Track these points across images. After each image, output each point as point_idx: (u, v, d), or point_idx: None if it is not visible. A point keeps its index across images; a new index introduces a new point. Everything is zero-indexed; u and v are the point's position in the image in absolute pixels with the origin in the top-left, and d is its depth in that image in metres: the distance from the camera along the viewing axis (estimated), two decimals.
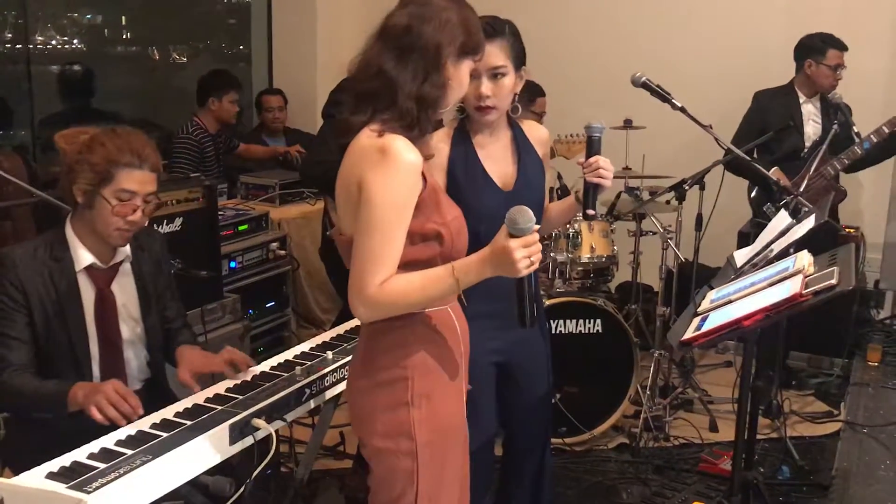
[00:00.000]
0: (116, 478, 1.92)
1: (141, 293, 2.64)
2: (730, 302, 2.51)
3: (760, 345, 3.16)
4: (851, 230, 4.76)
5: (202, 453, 2.11)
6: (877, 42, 5.15)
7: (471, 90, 2.40)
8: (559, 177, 4.79)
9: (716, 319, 2.42)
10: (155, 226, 3.45)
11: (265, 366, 2.65)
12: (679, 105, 3.06)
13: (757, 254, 2.85)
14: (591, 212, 2.48)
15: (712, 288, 2.82)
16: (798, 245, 2.71)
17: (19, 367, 2.39)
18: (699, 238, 4.52)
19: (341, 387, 2.58)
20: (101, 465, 1.98)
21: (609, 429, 4.11)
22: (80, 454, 2.04)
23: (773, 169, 4.46)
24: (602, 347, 4.02)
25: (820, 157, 4.25)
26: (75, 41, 6.12)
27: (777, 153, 4.71)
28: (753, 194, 4.81)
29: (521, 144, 2.57)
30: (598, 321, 4.02)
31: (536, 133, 2.65)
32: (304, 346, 2.83)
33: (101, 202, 2.43)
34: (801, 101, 4.75)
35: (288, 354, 2.76)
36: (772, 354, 4.22)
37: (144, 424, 2.21)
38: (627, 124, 4.71)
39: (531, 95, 4.56)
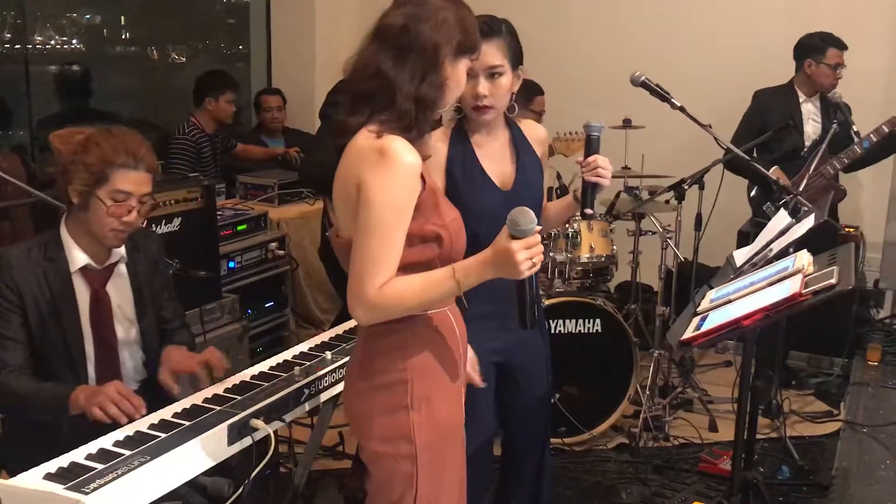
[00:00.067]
0: (114, 478, 1.92)
1: (136, 294, 2.62)
2: (729, 301, 2.50)
3: (760, 344, 3.16)
4: (851, 229, 4.76)
5: (200, 454, 2.10)
6: (876, 41, 5.14)
7: (468, 90, 2.39)
8: (558, 176, 4.79)
9: (715, 319, 2.42)
10: (153, 226, 3.46)
11: (264, 366, 2.64)
12: (678, 104, 3.05)
13: (756, 253, 2.85)
14: (589, 211, 2.47)
15: (712, 287, 2.82)
16: (798, 244, 2.71)
17: (15, 368, 2.38)
18: (698, 238, 4.52)
19: (340, 387, 2.57)
20: (99, 466, 1.97)
21: (608, 429, 4.10)
22: (77, 455, 2.03)
23: (773, 168, 4.46)
24: (601, 347, 4.01)
25: (819, 157, 4.24)
26: (74, 41, 6.12)
27: (777, 152, 4.71)
28: (753, 194, 4.81)
29: (519, 144, 2.57)
30: (598, 321, 4.01)
31: (534, 132, 2.64)
32: (303, 347, 2.82)
33: (96, 203, 2.42)
34: (800, 100, 4.75)
35: (287, 355, 2.75)
36: (771, 354, 4.22)
37: (142, 425, 2.20)
38: (627, 124, 4.70)
39: (529, 94, 4.55)
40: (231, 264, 4.33)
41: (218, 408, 2.30)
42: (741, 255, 3.00)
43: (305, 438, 3.22)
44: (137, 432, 2.16)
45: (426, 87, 1.91)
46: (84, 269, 2.51)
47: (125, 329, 2.60)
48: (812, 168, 4.31)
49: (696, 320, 2.51)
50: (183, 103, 5.35)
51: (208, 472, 2.15)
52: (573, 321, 3.99)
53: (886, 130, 4.32)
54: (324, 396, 2.56)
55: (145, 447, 2.07)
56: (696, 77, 5.29)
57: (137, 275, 2.63)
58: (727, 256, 3.10)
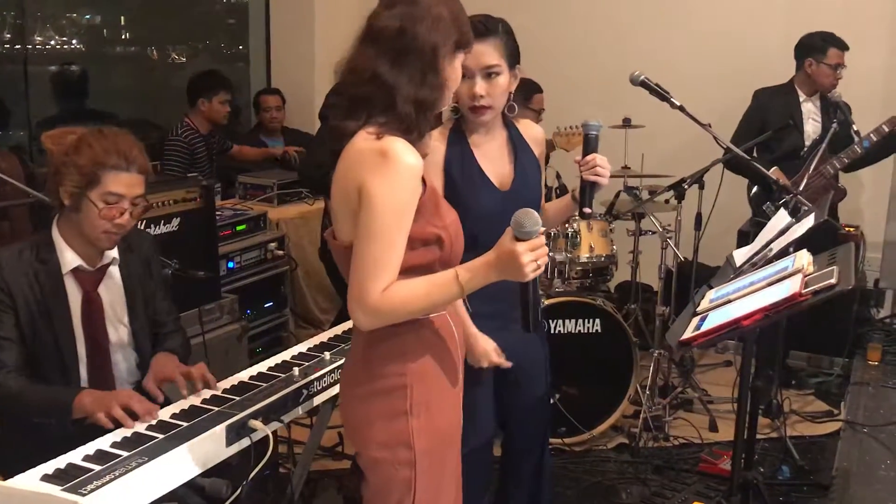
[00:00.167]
0: (112, 480, 1.91)
1: (128, 296, 2.60)
2: (729, 301, 2.50)
3: (760, 344, 3.16)
4: (851, 229, 4.76)
5: (198, 455, 2.10)
6: (876, 41, 5.14)
7: (465, 90, 2.39)
8: (558, 176, 4.78)
9: (715, 319, 2.41)
10: (152, 226, 3.45)
11: (262, 367, 2.64)
12: (678, 104, 3.05)
13: (756, 253, 2.84)
14: (587, 210, 2.46)
15: (711, 287, 2.81)
16: (797, 244, 2.70)
17: (13, 368, 2.36)
18: (698, 237, 4.51)
19: (339, 388, 2.57)
20: (97, 467, 1.97)
21: (608, 429, 4.10)
22: (75, 456, 2.03)
23: (773, 169, 4.45)
24: (601, 347, 4.01)
25: (819, 156, 4.23)
26: (74, 41, 6.12)
27: (777, 152, 4.70)
28: (753, 193, 4.80)
29: (517, 144, 2.56)
30: (598, 321, 4.01)
31: (532, 132, 2.64)
32: (302, 347, 2.82)
33: (88, 205, 2.39)
34: (800, 99, 4.74)
35: (285, 355, 2.74)
36: (772, 354, 4.21)
37: (140, 426, 2.20)
38: (626, 123, 4.70)
39: (528, 93, 4.55)
40: (230, 264, 4.32)
41: (216, 409, 2.30)
42: (741, 255, 2.99)
43: (305, 439, 3.21)
44: (135, 433, 2.16)
45: (427, 89, 1.89)
46: (76, 271, 2.48)
47: (117, 331, 2.58)
48: (812, 168, 4.30)
49: (695, 320, 2.51)
50: (183, 103, 5.34)
51: (207, 473, 2.14)
52: (573, 321, 3.98)
53: (886, 130, 4.31)
54: (323, 397, 2.56)
55: (143, 448, 2.07)
56: (695, 76, 5.29)
57: (130, 276, 2.61)
58: (727, 256, 3.10)
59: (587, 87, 5.74)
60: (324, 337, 2.93)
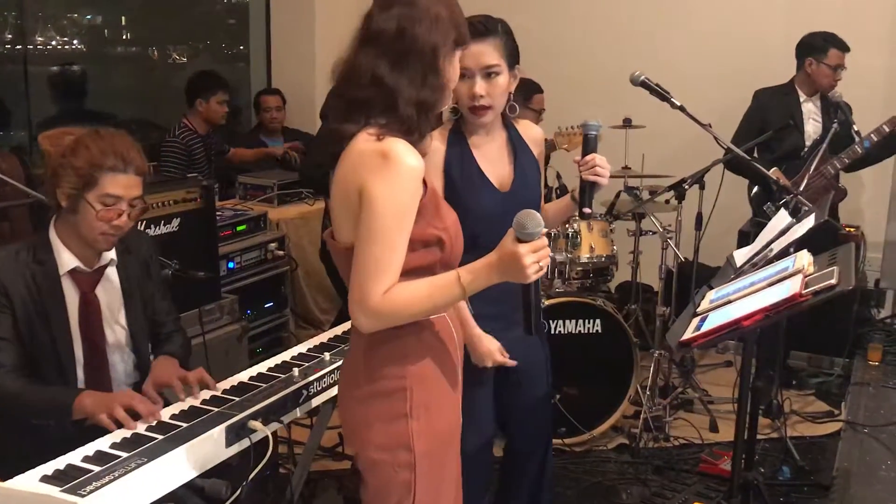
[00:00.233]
0: (111, 481, 1.91)
1: (126, 297, 2.59)
2: (729, 302, 2.49)
3: (760, 344, 3.16)
4: (852, 229, 4.75)
5: (198, 456, 2.10)
6: (877, 41, 5.13)
7: (465, 90, 2.39)
8: (558, 176, 4.78)
9: (715, 320, 2.41)
10: (152, 226, 3.45)
11: (262, 367, 2.63)
12: (678, 104, 3.04)
13: (757, 253, 2.84)
14: (587, 210, 2.45)
15: (712, 288, 2.81)
16: (798, 244, 2.70)
17: (11, 369, 2.35)
18: (699, 237, 4.51)
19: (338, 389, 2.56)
20: (96, 468, 1.97)
21: (609, 429, 4.10)
22: (74, 457, 2.02)
23: (773, 169, 4.45)
24: (602, 348, 4.00)
25: (820, 156, 4.23)
26: (75, 42, 6.12)
27: (777, 152, 4.70)
28: (753, 193, 4.80)
29: (516, 145, 2.56)
30: (598, 321, 4.01)
31: (531, 133, 2.63)
32: (302, 348, 2.81)
33: (86, 207, 2.38)
34: (801, 99, 4.74)
35: (285, 356, 2.74)
36: (772, 354, 4.21)
37: (140, 427, 2.19)
38: (627, 123, 4.69)
39: (528, 93, 4.55)
40: (230, 265, 4.32)
41: (216, 409, 2.30)
42: (741, 255, 2.99)
43: (305, 439, 3.21)
44: (135, 434, 2.15)
45: (427, 90, 1.87)
46: (73, 272, 2.47)
47: (115, 332, 2.57)
48: (812, 168, 4.30)
49: (695, 321, 2.51)
50: (184, 103, 5.34)
51: (206, 474, 2.14)
52: (573, 321, 3.98)
53: (887, 130, 4.31)
54: (323, 397, 2.55)
55: (142, 449, 2.06)
56: (695, 76, 5.29)
57: (128, 277, 2.60)
58: (727, 256, 3.09)
59: (587, 87, 5.74)
60: (324, 337, 2.93)
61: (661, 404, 4.25)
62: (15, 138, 5.27)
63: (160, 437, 2.13)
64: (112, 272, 2.57)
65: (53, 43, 5.89)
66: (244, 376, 2.55)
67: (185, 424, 2.20)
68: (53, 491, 1.87)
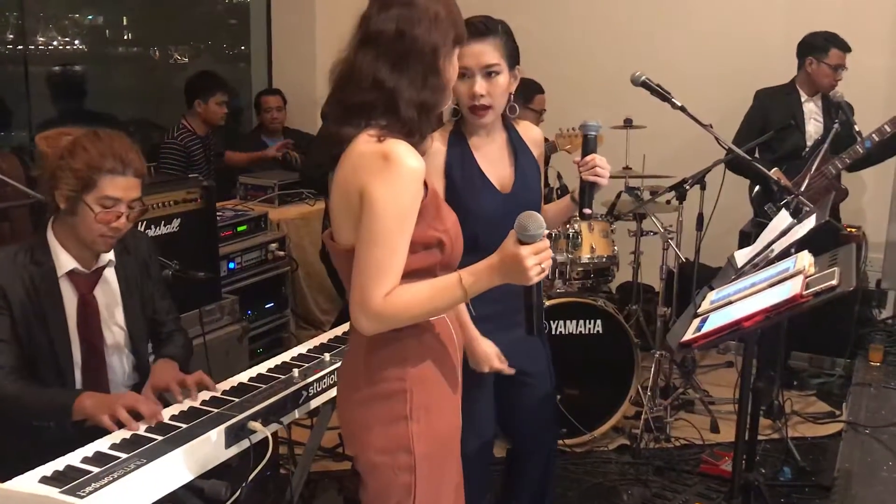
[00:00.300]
0: (110, 482, 1.91)
1: (125, 298, 2.58)
2: (730, 303, 2.49)
3: (761, 345, 3.15)
4: (853, 229, 4.74)
5: (198, 457, 2.09)
6: (878, 40, 5.13)
7: (465, 90, 2.38)
8: (559, 176, 4.78)
9: (716, 321, 2.41)
10: (153, 227, 3.44)
11: (262, 368, 2.63)
12: (679, 104, 3.04)
13: (758, 254, 2.84)
14: (587, 211, 2.45)
15: (713, 288, 2.81)
16: (799, 245, 2.70)
17: (9, 370, 2.34)
18: (700, 238, 4.50)
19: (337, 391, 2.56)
20: (95, 469, 1.96)
21: (609, 430, 4.09)
22: (73, 458, 2.02)
23: (774, 169, 4.44)
24: (602, 348, 4.00)
25: (821, 157, 4.23)
26: (76, 42, 6.12)
27: (778, 152, 4.69)
28: (754, 194, 4.79)
29: (517, 146, 2.56)
30: (599, 322, 4.00)
31: (531, 134, 2.63)
32: (302, 348, 2.81)
33: (84, 209, 2.37)
34: (802, 99, 4.73)
35: (285, 356, 2.73)
36: (773, 354, 4.20)
37: (140, 428, 2.19)
38: (628, 124, 4.69)
39: (529, 93, 4.56)
40: (231, 265, 4.32)
41: (215, 410, 2.29)
42: (742, 256, 2.98)
43: (305, 440, 3.21)
44: (134, 435, 2.15)
45: (427, 91, 1.86)
46: (71, 274, 2.46)
47: (114, 333, 2.56)
48: (814, 168, 4.29)
49: (696, 322, 2.50)
50: (185, 104, 5.34)
51: (206, 475, 2.14)
52: (574, 322, 3.98)
53: (889, 130, 4.30)
54: (323, 398, 2.55)
55: (142, 450, 2.06)
56: (696, 77, 5.28)
57: (127, 278, 2.59)
58: (728, 257, 3.09)
59: (588, 87, 5.74)
60: (324, 338, 2.92)
61: (662, 405, 4.25)
62: (16, 139, 5.27)
63: (160, 437, 2.13)
64: (110, 273, 2.56)
65: (55, 43, 5.89)
66: (244, 377, 2.55)
67: (184, 425, 2.20)
68: (53, 492, 1.87)
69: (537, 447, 2.80)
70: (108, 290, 2.55)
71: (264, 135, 5.93)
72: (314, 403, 2.52)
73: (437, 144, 2.44)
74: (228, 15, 7.40)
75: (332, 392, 2.56)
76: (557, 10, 5.94)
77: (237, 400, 2.36)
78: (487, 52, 2.37)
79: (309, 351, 2.78)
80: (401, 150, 1.80)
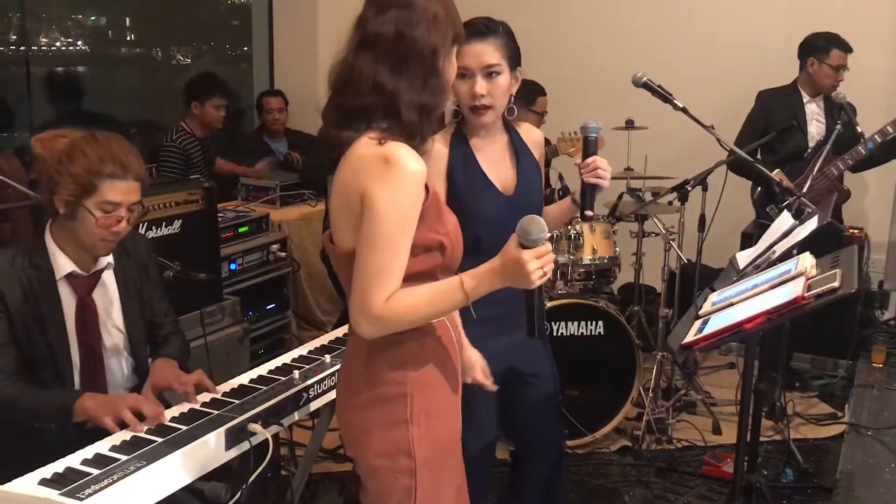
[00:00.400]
0: (110, 484, 1.90)
1: (124, 300, 2.57)
2: (731, 304, 2.48)
3: (763, 346, 3.15)
4: (855, 230, 4.74)
5: (198, 459, 2.09)
6: (880, 41, 5.12)
7: (465, 90, 2.38)
8: (560, 177, 4.78)
9: (717, 322, 2.40)
10: (154, 228, 3.44)
11: (262, 369, 2.62)
12: (681, 105, 3.04)
13: (759, 255, 2.83)
14: (589, 213, 2.45)
15: (714, 290, 2.80)
16: (801, 246, 2.69)
17: (9, 373, 2.34)
18: (702, 239, 4.50)
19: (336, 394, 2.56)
20: (95, 471, 1.96)
21: (611, 431, 4.09)
22: (73, 460, 2.02)
23: (776, 170, 4.44)
24: (604, 349, 3.99)
25: (823, 158, 4.22)
26: (79, 43, 6.13)
27: (780, 153, 4.69)
28: (756, 195, 4.79)
29: (518, 147, 2.55)
30: (600, 323, 4.00)
31: (532, 136, 2.63)
32: (302, 350, 2.81)
33: (85, 214, 2.36)
34: (804, 100, 4.73)
35: (286, 358, 2.73)
36: (775, 356, 4.19)
37: (138, 429, 2.18)
38: (629, 125, 4.69)
39: (531, 95, 4.56)
40: (232, 266, 4.32)
41: (216, 412, 2.29)
42: (744, 257, 2.98)
43: (307, 441, 3.20)
44: (134, 437, 2.14)
45: (428, 93, 1.85)
46: (70, 277, 2.45)
47: (113, 336, 2.55)
48: (816, 169, 4.28)
49: (697, 323, 2.49)
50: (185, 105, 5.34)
51: (207, 477, 2.13)
52: (575, 323, 3.97)
53: (891, 131, 4.29)
54: (323, 400, 2.55)
55: (142, 452, 2.06)
56: (697, 78, 5.28)
57: (125, 281, 2.58)
58: (730, 258, 3.08)
59: (589, 89, 5.73)
60: (324, 339, 2.92)
61: (664, 406, 4.24)
62: (18, 139, 5.27)
63: (160, 439, 2.12)
64: (109, 276, 2.55)
65: (58, 44, 5.90)
66: (244, 379, 2.54)
67: (184, 427, 2.19)
68: (52, 494, 1.87)
69: (542, 449, 2.79)
70: (107, 293, 2.54)
71: (266, 136, 5.93)
72: (315, 405, 2.52)
73: (440, 146, 2.44)
74: (231, 16, 7.41)
75: (333, 394, 2.55)
76: (558, 11, 5.93)
77: (237, 402, 2.36)
78: (488, 52, 2.37)
79: (310, 352, 2.78)
80: (402, 152, 1.79)
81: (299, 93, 6.04)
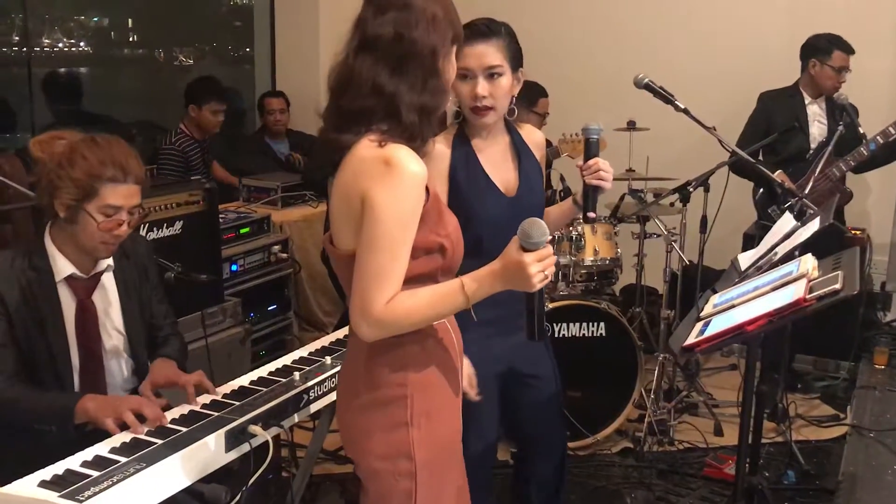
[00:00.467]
0: (110, 486, 1.90)
1: (124, 302, 2.57)
2: (733, 306, 2.48)
3: (765, 348, 3.15)
4: (858, 232, 4.73)
5: (198, 461, 2.09)
6: (881, 42, 5.11)
7: (467, 91, 2.38)
8: (562, 178, 4.77)
9: (718, 324, 2.39)
10: (155, 229, 3.44)
11: (263, 371, 2.62)
12: (682, 107, 3.04)
13: (761, 257, 2.82)
14: (591, 215, 2.45)
15: (716, 292, 2.80)
16: (803, 247, 2.68)
17: (8, 375, 2.33)
18: (704, 240, 4.49)
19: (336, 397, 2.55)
20: (95, 473, 1.96)
21: (613, 433, 4.08)
22: (73, 462, 2.01)
23: (778, 172, 4.43)
24: (606, 351, 3.99)
25: (825, 159, 4.21)
26: (81, 44, 6.13)
27: (782, 154, 4.69)
28: (758, 196, 4.78)
29: (520, 149, 2.55)
30: (602, 324, 3.99)
31: (534, 137, 2.63)
32: (303, 352, 2.80)
33: (86, 217, 2.35)
34: (806, 101, 4.72)
35: (286, 359, 2.73)
36: (777, 357, 4.19)
37: (139, 431, 2.18)
38: (631, 126, 4.68)
39: (533, 96, 4.55)
40: (233, 267, 4.31)
41: (216, 414, 2.28)
42: (746, 259, 2.97)
43: (308, 442, 3.20)
44: (134, 439, 2.14)
45: (428, 94, 1.84)
46: (69, 279, 2.44)
47: (113, 338, 2.54)
48: (818, 170, 4.28)
49: (699, 325, 2.49)
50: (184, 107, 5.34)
51: (207, 479, 2.13)
52: (577, 325, 3.97)
53: (893, 132, 4.29)
54: (324, 401, 2.54)
55: (142, 454, 2.05)
56: (699, 79, 5.28)
57: (125, 282, 2.57)
58: (731, 260, 3.08)
59: (591, 90, 5.73)
60: (325, 341, 2.92)
61: (666, 408, 4.24)
62: (21, 140, 5.27)
63: (159, 441, 2.12)
64: (108, 278, 2.54)
65: (60, 45, 5.90)
66: (244, 380, 2.54)
67: (184, 429, 2.19)
68: (52, 496, 1.86)
69: (545, 450, 2.78)
70: (107, 295, 2.54)
71: (267, 137, 5.93)
72: (315, 407, 2.51)
73: (442, 147, 2.43)
74: (232, 17, 7.42)
75: (334, 395, 2.54)
76: (560, 12, 5.93)
77: (238, 403, 2.35)
78: (490, 53, 2.37)
79: (310, 354, 2.78)
80: (402, 155, 1.78)
81: (301, 94, 6.04)
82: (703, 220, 4.49)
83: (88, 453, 2.05)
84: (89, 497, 1.85)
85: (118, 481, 1.92)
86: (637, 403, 4.15)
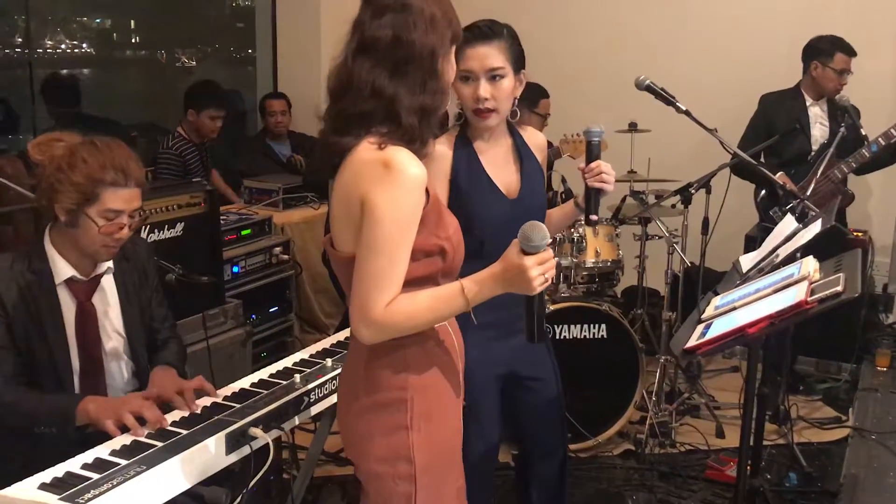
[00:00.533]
0: (110, 489, 1.90)
1: (124, 305, 2.56)
2: (734, 308, 2.47)
3: (767, 350, 3.14)
4: (859, 234, 4.73)
5: (198, 463, 2.08)
6: (883, 44, 5.11)
7: (469, 93, 2.37)
8: (563, 180, 4.77)
9: (720, 326, 2.39)
10: (156, 231, 3.44)
11: (263, 373, 2.62)
12: (684, 108, 3.03)
13: (763, 258, 2.82)
14: (594, 217, 2.46)
15: (717, 294, 2.79)
16: (805, 249, 2.68)
17: (8, 378, 2.33)
18: (705, 242, 4.48)
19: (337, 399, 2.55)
20: (95, 476, 1.96)
21: (614, 435, 4.07)
22: (73, 464, 2.01)
23: (779, 173, 4.43)
24: (607, 353, 3.98)
25: (827, 161, 4.21)
26: (84, 45, 6.14)
27: (784, 156, 4.68)
28: (760, 198, 4.77)
29: (522, 151, 2.55)
30: (603, 326, 3.98)
31: (536, 139, 2.62)
32: (304, 354, 2.80)
33: (87, 221, 2.34)
34: (807, 103, 4.72)
35: (287, 362, 2.73)
36: (779, 359, 4.18)
37: (139, 433, 2.18)
38: (632, 127, 4.68)
39: (535, 97, 4.55)
40: (235, 269, 4.31)
41: (216, 416, 2.28)
42: (747, 261, 2.97)
43: (309, 444, 3.20)
44: (134, 441, 2.14)
45: (428, 97, 1.83)
46: (69, 281, 2.44)
47: (112, 340, 2.53)
48: (819, 172, 4.27)
49: (700, 327, 2.49)
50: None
51: (208, 481, 2.13)
52: (578, 326, 3.96)
53: (895, 134, 4.28)
54: (325, 404, 2.54)
55: (142, 456, 2.05)
56: (701, 80, 5.28)
57: (125, 285, 2.57)
58: (733, 262, 3.07)
59: (592, 91, 5.73)
60: (326, 343, 2.91)
61: (667, 410, 4.23)
62: (23, 142, 5.28)
63: (160, 444, 2.12)
64: (108, 280, 2.54)
65: (63, 47, 5.91)
66: (245, 383, 2.54)
67: (184, 431, 2.19)
68: (52, 499, 1.86)
69: (546, 452, 2.78)
70: (106, 298, 2.53)
71: (269, 138, 5.93)
72: (316, 409, 2.51)
73: (444, 149, 2.43)
74: (234, 19, 7.42)
75: (335, 397, 2.54)
76: (561, 14, 5.93)
77: (238, 406, 2.35)
78: (492, 55, 2.36)
79: (311, 356, 2.77)
80: (402, 157, 1.78)
81: (302, 95, 6.04)
82: (705, 221, 4.48)
83: (89, 455, 2.05)
84: (89, 499, 1.85)
85: (118, 484, 1.92)
86: (638, 405, 4.14)
